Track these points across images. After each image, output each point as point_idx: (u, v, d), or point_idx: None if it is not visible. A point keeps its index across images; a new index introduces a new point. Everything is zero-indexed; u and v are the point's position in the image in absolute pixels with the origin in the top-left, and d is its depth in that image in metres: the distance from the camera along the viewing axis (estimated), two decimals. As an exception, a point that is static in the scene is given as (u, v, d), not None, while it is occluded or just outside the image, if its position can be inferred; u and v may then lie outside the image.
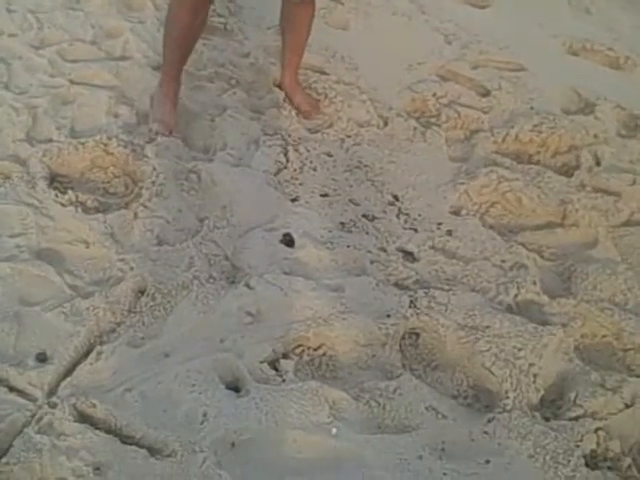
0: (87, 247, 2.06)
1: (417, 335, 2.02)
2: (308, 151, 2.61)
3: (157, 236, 2.11)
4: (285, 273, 2.05)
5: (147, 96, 2.65)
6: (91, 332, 1.82)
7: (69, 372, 1.74)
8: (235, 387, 1.75)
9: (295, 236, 2.19)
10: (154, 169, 2.29)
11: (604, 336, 2.12)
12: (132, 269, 1.98)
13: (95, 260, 2.03)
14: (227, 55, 3.06)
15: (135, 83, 2.77)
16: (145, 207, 2.17)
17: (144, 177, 2.28)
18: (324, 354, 1.90)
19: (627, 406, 1.87)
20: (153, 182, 2.25)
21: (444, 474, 1.63)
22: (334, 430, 1.67)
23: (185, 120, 2.61)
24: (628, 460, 1.75)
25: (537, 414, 1.83)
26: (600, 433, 1.79)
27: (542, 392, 1.90)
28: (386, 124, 2.88)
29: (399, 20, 3.67)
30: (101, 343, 1.81)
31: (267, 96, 2.89)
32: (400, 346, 1.97)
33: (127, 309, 1.90)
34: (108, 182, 2.34)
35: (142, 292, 1.94)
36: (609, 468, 1.74)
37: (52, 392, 1.69)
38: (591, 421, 1.81)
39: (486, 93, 3.21)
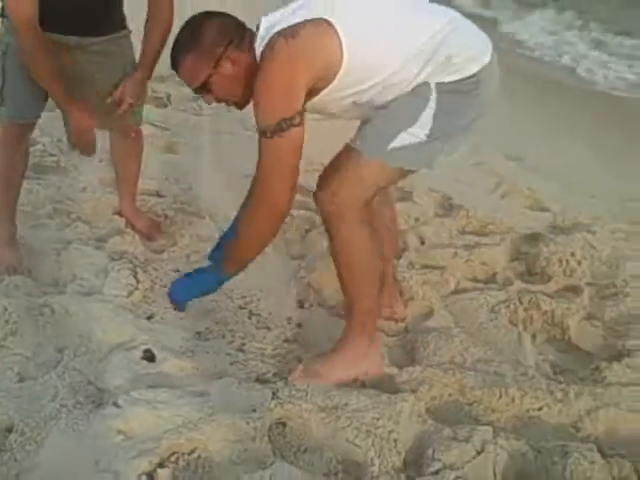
0: (-55, 396, 2.06)
1: (284, 424, 2.14)
2: (156, 270, 2.74)
3: (18, 373, 2.15)
4: (150, 387, 2.14)
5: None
6: (-38, 478, 1.83)
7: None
8: (117, 505, 1.80)
9: (155, 351, 2.29)
10: (5, 309, 2.34)
11: (450, 394, 2.33)
12: (-4, 409, 2.01)
13: (-45, 408, 2.04)
14: (64, 191, 3.17)
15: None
16: (2, 347, 2.21)
17: (-4, 318, 2.32)
18: (199, 457, 1.98)
19: (478, 453, 2.06)
20: (7, 321, 2.29)
21: None
22: (218, 525, 1.75)
23: (30, 258, 2.68)
24: (487, 500, 1.94)
25: (402, 475, 1.99)
26: (460, 480, 1.97)
27: (403, 454, 2.07)
28: (227, 235, 3.06)
29: (224, 138, 3.94)
30: (-26, 487, 1.81)
31: (109, 225, 3.02)
32: (269, 437, 2.09)
33: (-2, 448, 1.91)
34: (-43, 329, 2.36)
35: (9, 430, 1.96)
36: (472, 512, 1.92)
37: None
38: (450, 472, 1.98)
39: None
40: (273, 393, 2.19)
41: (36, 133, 3.43)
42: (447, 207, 3.60)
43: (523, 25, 8.87)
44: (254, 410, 2.12)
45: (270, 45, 2.02)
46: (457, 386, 2.34)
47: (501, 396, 2.30)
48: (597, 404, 2.28)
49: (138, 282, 2.64)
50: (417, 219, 3.40)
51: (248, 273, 2.79)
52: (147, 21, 2.66)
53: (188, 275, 2.32)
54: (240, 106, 2.23)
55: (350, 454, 2.06)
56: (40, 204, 3.03)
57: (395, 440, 2.09)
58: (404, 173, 2.28)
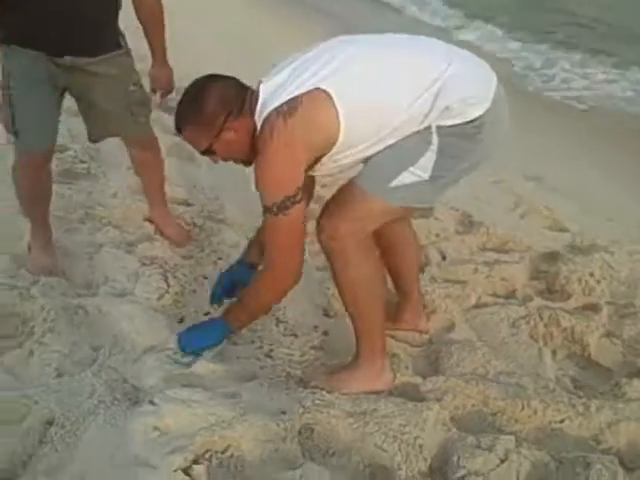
0: (-13, 389, 2.13)
1: (312, 429, 2.20)
2: (185, 275, 2.81)
3: (56, 369, 2.22)
4: (184, 386, 2.19)
5: (22, 242, 2.79)
6: (5, 468, 1.88)
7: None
8: (154, 498, 1.85)
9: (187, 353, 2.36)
10: (43, 308, 2.41)
11: (473, 405, 2.39)
12: (37, 402, 2.07)
13: (-3, 401, 2.10)
14: (95, 197, 3.25)
15: (7, 229, 2.89)
16: (40, 343, 2.28)
17: (34, 316, 2.39)
18: (231, 455, 2.04)
19: (502, 461, 2.11)
20: (44, 319, 2.36)
21: None
22: (253, 522, 1.81)
23: (64, 260, 2.75)
24: (513, 506, 1.99)
25: (428, 480, 2.05)
26: (485, 487, 2.02)
27: (429, 460, 2.12)
28: (254, 244, 3.13)
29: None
30: (17, 476, 1.87)
31: (139, 231, 3.09)
32: (298, 439, 2.14)
33: (38, 440, 1.97)
34: (-3, 325, 2.43)
35: (50, 423, 2.03)
36: (495, 519, 1.97)
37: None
38: (475, 477, 2.03)
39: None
40: (300, 400, 2.25)
41: (67, 139, 3.53)
42: (467, 224, 3.66)
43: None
44: (284, 412, 2.18)
45: (269, 125, 2.05)
46: (480, 397, 2.40)
47: (523, 408, 2.35)
48: (618, 418, 2.33)
49: (169, 286, 2.70)
50: (438, 235, 3.46)
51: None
52: (137, 14, 2.71)
53: (198, 326, 2.41)
54: (247, 164, 2.26)
55: (377, 458, 2.11)
56: (72, 209, 3.10)
57: (421, 446, 2.14)
58: (407, 210, 2.33)
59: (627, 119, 6.06)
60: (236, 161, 2.28)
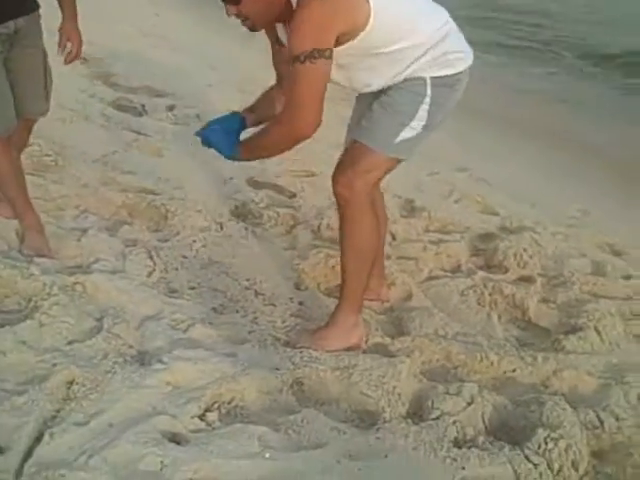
0: (4, 356, 2.29)
1: (302, 383, 2.46)
2: (167, 256, 3.02)
3: (66, 337, 2.40)
4: (187, 348, 2.42)
5: (11, 227, 2.94)
6: (37, 421, 2.07)
7: (28, 456, 1.97)
8: (177, 441, 2.08)
9: (182, 319, 2.59)
10: (45, 284, 2.58)
11: (438, 360, 2.71)
12: (55, 365, 2.26)
13: (16, 365, 2.27)
14: (68, 187, 3.40)
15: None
16: (48, 315, 2.45)
17: (37, 292, 2.56)
18: (236, 405, 2.29)
19: (468, 404, 2.42)
20: (48, 294, 2.54)
21: (359, 469, 2.07)
22: (267, 454, 2.06)
23: (53, 243, 2.91)
24: (481, 438, 2.31)
25: (409, 420, 2.34)
26: (457, 424, 2.33)
27: (407, 405, 2.43)
28: (222, 228, 3.38)
29: (201, 146, 4.22)
30: (49, 427, 2.06)
31: (114, 217, 3.29)
32: (292, 391, 2.41)
33: (62, 398, 2.16)
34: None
35: (70, 382, 2.22)
36: (469, 447, 2.27)
37: (18, 474, 1.92)
38: (448, 417, 2.33)
39: (292, 195, 3.85)
40: (290, 358, 2.51)
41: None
42: (410, 209, 4.01)
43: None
44: (277, 369, 2.44)
45: None
46: (444, 352, 2.72)
47: (482, 360, 2.69)
48: (561, 367, 2.70)
49: (155, 264, 2.92)
50: (387, 218, 3.77)
51: (249, 259, 3.16)
52: None
53: (220, 133, 2.54)
54: (253, 29, 2.41)
55: (364, 404, 2.40)
56: (50, 197, 3.25)
57: (399, 394, 2.44)
58: (399, 162, 2.63)
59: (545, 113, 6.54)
60: (246, 23, 2.38)
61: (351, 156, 2.57)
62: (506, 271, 3.48)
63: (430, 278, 3.31)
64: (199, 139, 2.60)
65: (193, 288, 2.87)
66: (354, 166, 2.52)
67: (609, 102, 7.17)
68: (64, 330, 2.42)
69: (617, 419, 2.44)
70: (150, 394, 2.21)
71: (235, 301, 2.85)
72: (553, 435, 2.25)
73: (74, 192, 3.37)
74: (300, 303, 2.93)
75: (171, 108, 4.80)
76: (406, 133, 2.51)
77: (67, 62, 2.99)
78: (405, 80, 2.48)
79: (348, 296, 2.67)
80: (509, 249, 3.59)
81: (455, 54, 2.51)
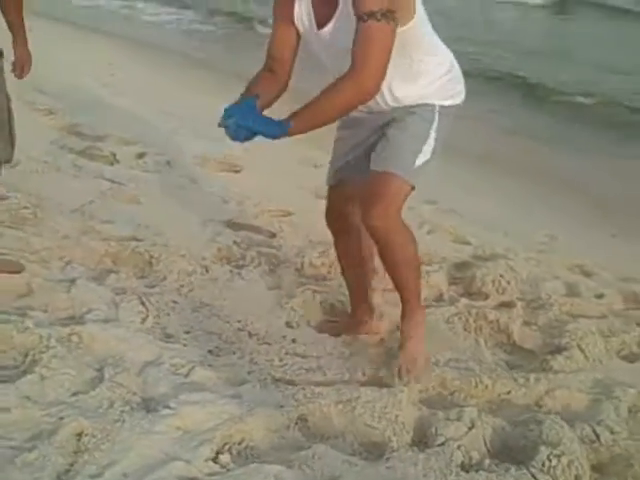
0: (9, 412, 2.27)
1: (306, 420, 2.49)
2: (157, 301, 3.04)
3: (69, 389, 2.40)
4: (192, 391, 2.44)
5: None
6: (50, 476, 2.06)
7: (44, 511, 1.96)
8: (194, 486, 2.09)
9: (182, 364, 2.60)
10: (41, 336, 2.58)
11: (434, 387, 2.77)
12: (62, 418, 2.25)
13: (21, 421, 2.25)
14: (49, 238, 3.40)
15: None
16: (48, 368, 2.44)
17: (34, 345, 2.55)
18: (247, 446, 2.30)
19: (469, 428, 2.49)
20: (46, 346, 2.53)
21: (376, 499, 2.11)
22: (286, 493, 2.09)
23: (42, 295, 2.91)
24: (487, 461, 2.36)
25: (415, 448, 2.39)
26: (462, 448, 2.38)
27: (412, 433, 2.48)
28: (207, 271, 3.40)
29: (177, 192, 4.27)
30: (64, 481, 2.05)
31: (99, 267, 3.29)
32: (298, 428, 2.44)
33: (73, 451, 2.15)
34: (-4, 359, 2.56)
35: (80, 434, 2.21)
36: (476, 471, 2.33)
37: (38, 529, 1.91)
38: (452, 442, 2.39)
39: (272, 235, 3.90)
40: (293, 395, 2.54)
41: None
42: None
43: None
44: (281, 406, 2.47)
45: None
46: (439, 379, 2.79)
47: (477, 384, 2.76)
48: (552, 386, 2.79)
49: (147, 310, 2.93)
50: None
51: (237, 301, 3.20)
52: None
53: (251, 113, 2.35)
54: None
55: (369, 435, 2.44)
56: (32, 250, 3.24)
57: (403, 423, 2.49)
58: (413, 190, 2.68)
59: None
60: None
61: (376, 187, 2.59)
62: (486, 297, 3.57)
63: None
64: (230, 131, 2.34)
65: (188, 332, 2.89)
66: (384, 197, 2.57)
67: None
68: (66, 382, 2.42)
69: (612, 432, 2.53)
70: (161, 440, 2.22)
71: (230, 342, 2.88)
72: (555, 452, 2.33)
73: (56, 244, 3.35)
74: (293, 340, 2.97)
75: (141, 155, 4.82)
76: (420, 159, 2.61)
77: (20, 78, 3.11)
78: (417, 105, 2.59)
79: (414, 302, 2.87)
80: (486, 276, 3.68)
81: (458, 86, 2.67)
